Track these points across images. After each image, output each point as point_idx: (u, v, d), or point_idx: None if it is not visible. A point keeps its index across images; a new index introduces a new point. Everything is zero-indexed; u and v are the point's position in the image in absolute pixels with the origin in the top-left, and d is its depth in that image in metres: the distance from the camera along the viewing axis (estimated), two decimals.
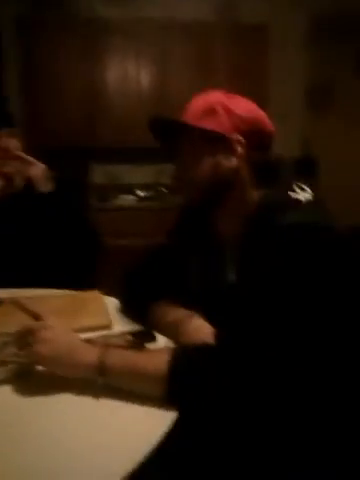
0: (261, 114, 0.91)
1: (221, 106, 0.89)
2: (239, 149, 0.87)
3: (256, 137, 0.89)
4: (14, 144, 1.42)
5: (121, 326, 1.02)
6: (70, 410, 0.73)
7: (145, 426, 0.69)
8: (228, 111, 0.88)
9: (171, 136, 0.94)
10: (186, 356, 0.75)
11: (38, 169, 1.46)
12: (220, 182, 0.89)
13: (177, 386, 0.71)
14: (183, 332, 0.90)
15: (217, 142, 0.88)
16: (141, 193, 3.35)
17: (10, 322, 0.98)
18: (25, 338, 0.79)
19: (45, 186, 1.46)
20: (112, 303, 1.16)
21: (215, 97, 0.91)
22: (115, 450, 0.64)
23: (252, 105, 0.92)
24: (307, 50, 3.55)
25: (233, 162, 0.87)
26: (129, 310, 1.10)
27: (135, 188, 3.41)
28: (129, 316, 1.08)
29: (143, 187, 3.42)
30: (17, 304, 1.15)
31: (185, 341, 0.89)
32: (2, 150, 1.40)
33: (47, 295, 1.24)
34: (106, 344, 0.80)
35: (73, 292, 1.27)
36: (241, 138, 0.87)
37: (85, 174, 3.40)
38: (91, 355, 0.76)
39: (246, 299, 0.79)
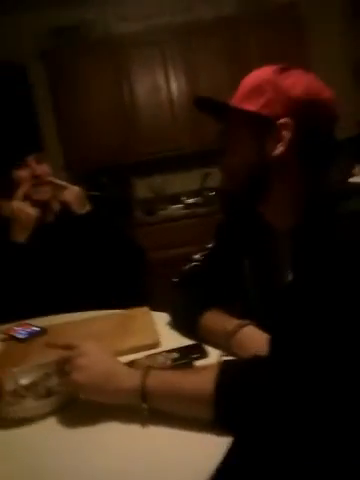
0: (322, 93, 0.77)
1: (270, 84, 0.77)
2: (287, 135, 0.75)
3: (312, 120, 0.76)
4: (44, 170, 1.41)
5: (170, 343, 0.94)
6: (117, 439, 0.67)
7: (199, 454, 0.61)
8: (278, 90, 0.76)
9: (219, 116, 0.85)
10: (233, 373, 0.65)
11: (72, 192, 1.45)
12: (264, 170, 0.78)
13: (225, 407, 0.62)
14: (234, 344, 0.83)
15: (262, 126, 0.77)
16: (188, 200, 3.28)
17: (53, 352, 0.93)
18: (63, 367, 0.75)
19: (81, 208, 1.44)
20: (163, 318, 1.09)
21: (265, 73, 0.79)
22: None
23: (312, 82, 0.78)
24: (348, 23, 3.30)
25: (279, 150, 0.76)
26: (179, 323, 1.03)
27: (181, 196, 3.35)
28: (179, 330, 1.01)
29: (189, 194, 3.36)
30: (60, 332, 1.11)
31: (238, 353, 0.82)
32: (33, 177, 1.39)
33: (94, 317, 1.20)
34: (148, 366, 0.71)
35: (120, 311, 1.21)
36: (290, 122, 0.74)
37: (128, 190, 3.41)
38: (130, 379, 0.69)
39: (303, 301, 0.68)
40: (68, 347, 0.76)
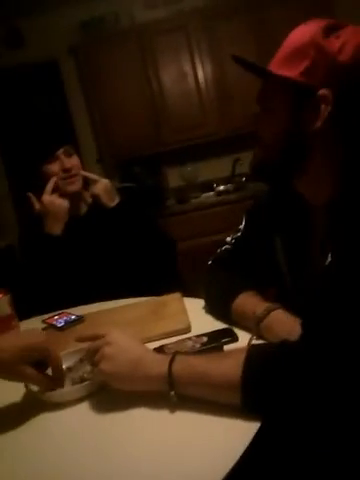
0: None
1: (314, 47, 0.69)
2: (326, 109, 0.69)
3: (356, 91, 0.69)
4: (73, 163, 1.44)
5: (202, 328, 0.94)
6: (147, 426, 0.68)
7: (227, 439, 0.61)
8: (322, 54, 0.68)
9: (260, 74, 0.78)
10: (261, 358, 0.64)
11: (101, 185, 1.47)
12: (300, 140, 0.74)
13: (253, 393, 0.61)
14: (263, 328, 0.82)
15: (300, 95, 0.71)
16: (220, 187, 3.26)
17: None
18: (93, 356, 0.76)
19: (111, 201, 1.47)
20: (196, 304, 1.10)
21: (310, 32, 0.70)
22: (196, 466, 0.57)
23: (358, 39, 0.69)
24: None
25: (316, 124, 0.70)
26: (212, 307, 1.03)
27: (213, 183, 3.33)
28: (213, 314, 1.01)
29: (220, 181, 3.33)
30: (97, 320, 1.15)
31: (267, 338, 0.81)
32: (63, 171, 1.42)
33: (127, 305, 1.23)
34: (175, 351, 0.72)
35: (153, 298, 1.23)
36: (331, 94, 0.68)
37: (161, 179, 3.42)
38: (157, 366, 0.70)
39: (342, 285, 0.65)
40: (96, 338, 0.77)
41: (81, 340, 0.84)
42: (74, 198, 1.48)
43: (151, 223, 1.56)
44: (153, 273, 1.49)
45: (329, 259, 0.72)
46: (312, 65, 0.69)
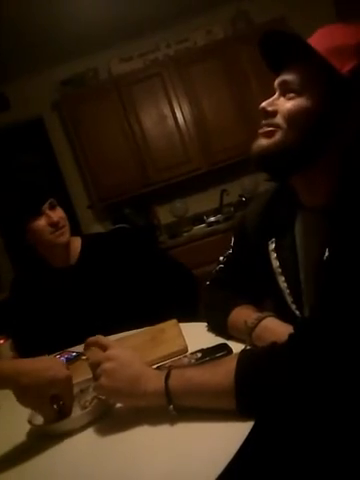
0: None
1: None
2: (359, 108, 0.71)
3: None
4: (59, 214, 1.43)
5: (199, 347, 0.96)
6: (148, 442, 0.70)
7: (223, 438, 0.63)
8: None
9: (284, 58, 0.78)
10: (251, 361, 0.66)
11: None
12: (323, 131, 0.73)
13: (246, 396, 0.63)
14: (255, 337, 0.84)
15: (338, 88, 0.71)
16: (210, 218, 3.33)
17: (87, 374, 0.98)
18: (94, 369, 0.78)
19: None
20: (193, 328, 1.13)
21: (357, 35, 0.71)
22: (193, 466, 0.59)
23: None
24: None
25: (345, 122, 0.72)
26: (211, 325, 1.05)
27: (203, 216, 3.41)
28: (213, 331, 1.03)
29: (210, 213, 3.41)
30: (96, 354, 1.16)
31: (259, 346, 0.82)
32: (50, 225, 1.40)
33: (126, 336, 1.25)
34: (170, 365, 0.75)
35: (151, 327, 1.25)
36: None
37: (151, 218, 3.50)
38: (154, 382, 0.71)
39: (337, 281, 0.66)
40: (100, 345, 0.80)
41: (87, 345, 0.85)
42: (64, 248, 1.48)
43: (173, 261, 1.59)
44: (174, 305, 1.47)
45: (327, 254, 0.72)
46: (358, 67, 0.69)
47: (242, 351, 0.71)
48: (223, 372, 0.66)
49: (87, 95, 3.30)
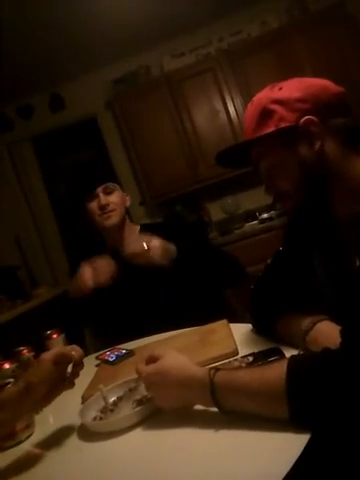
0: (319, 82, 0.83)
1: (271, 102, 0.82)
2: (315, 129, 0.78)
3: (326, 107, 0.80)
4: (111, 199, 1.51)
5: (249, 351, 0.93)
6: (195, 444, 0.69)
7: (276, 452, 0.60)
8: (282, 102, 0.81)
9: (246, 158, 0.90)
10: (303, 367, 0.63)
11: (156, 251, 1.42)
12: (315, 172, 0.81)
13: (300, 404, 0.60)
14: (309, 341, 0.81)
15: (290, 138, 0.81)
16: (263, 215, 3.24)
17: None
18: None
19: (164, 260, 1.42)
20: (243, 329, 1.10)
21: (261, 98, 0.85)
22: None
23: (303, 80, 0.83)
24: None
25: (317, 145, 0.79)
26: (258, 328, 1.04)
27: (255, 212, 3.33)
28: (260, 335, 1.01)
29: (263, 209, 3.32)
30: (146, 352, 1.16)
31: (313, 350, 0.77)
32: (100, 207, 1.49)
33: (175, 335, 1.24)
34: (218, 367, 0.72)
35: (200, 327, 1.23)
36: (311, 117, 0.78)
37: (202, 215, 3.47)
38: (202, 373, 0.71)
39: None
40: (151, 359, 0.81)
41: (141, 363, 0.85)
42: (116, 232, 1.55)
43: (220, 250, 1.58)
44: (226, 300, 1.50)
45: (358, 263, 0.75)
46: (281, 112, 0.80)
47: (292, 356, 0.67)
48: (274, 376, 0.64)
49: (139, 93, 3.32)
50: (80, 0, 2.54)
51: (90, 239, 1.72)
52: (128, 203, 1.61)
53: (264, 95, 0.85)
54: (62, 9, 2.57)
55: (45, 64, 3.14)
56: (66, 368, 0.80)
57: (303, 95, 0.80)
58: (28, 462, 0.79)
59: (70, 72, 3.43)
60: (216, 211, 3.56)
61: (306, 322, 0.83)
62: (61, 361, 0.80)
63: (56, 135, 3.74)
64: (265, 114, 0.82)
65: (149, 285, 1.51)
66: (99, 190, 1.50)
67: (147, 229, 1.60)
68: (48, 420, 0.98)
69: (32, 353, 1.20)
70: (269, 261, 1.07)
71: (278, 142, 0.82)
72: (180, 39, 3.41)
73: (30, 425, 0.91)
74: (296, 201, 0.85)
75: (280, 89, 0.82)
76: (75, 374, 0.82)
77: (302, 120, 0.78)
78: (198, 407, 0.75)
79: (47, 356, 0.80)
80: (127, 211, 1.61)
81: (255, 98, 0.87)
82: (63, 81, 3.54)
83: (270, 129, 0.81)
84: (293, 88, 0.81)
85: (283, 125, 0.80)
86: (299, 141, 0.80)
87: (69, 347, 0.85)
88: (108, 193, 1.51)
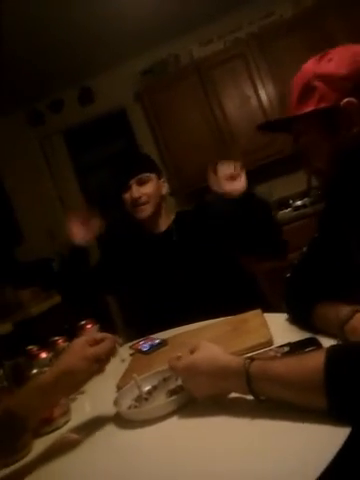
0: None
1: (316, 77, 0.80)
2: (355, 112, 0.77)
3: None
4: (144, 191, 1.49)
5: (285, 341, 0.90)
6: (230, 437, 0.67)
7: (313, 446, 0.57)
8: (324, 78, 0.79)
9: (288, 127, 0.90)
10: (344, 357, 0.60)
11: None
12: (351, 154, 0.80)
13: (339, 395, 0.57)
14: (348, 330, 0.77)
15: (328, 118, 0.80)
16: (297, 202, 3.16)
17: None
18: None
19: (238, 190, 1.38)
20: (277, 319, 1.08)
21: (306, 71, 0.83)
22: (280, 475, 0.54)
23: (349, 52, 0.81)
24: None
25: (355, 129, 0.78)
26: (294, 317, 1.01)
27: (289, 200, 3.25)
28: (296, 324, 0.99)
29: (297, 196, 3.24)
30: (179, 342, 1.16)
31: (353, 340, 0.75)
32: (132, 199, 1.49)
33: (208, 325, 1.23)
34: (251, 356, 0.70)
35: (234, 316, 1.21)
36: (352, 99, 0.76)
37: None
38: (237, 361, 0.70)
39: None
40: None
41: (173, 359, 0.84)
42: (150, 222, 1.55)
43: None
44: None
45: None
46: (322, 91, 0.79)
47: (331, 346, 0.65)
48: (312, 366, 0.61)
49: (168, 83, 3.30)
50: None
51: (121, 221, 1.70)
52: (164, 191, 1.58)
53: (310, 67, 0.83)
54: (88, 4, 2.57)
55: (74, 59, 3.17)
56: (97, 354, 0.80)
57: (348, 72, 0.77)
58: (65, 447, 0.81)
59: (98, 65, 3.44)
60: None
61: (345, 311, 0.80)
62: (92, 346, 0.81)
63: (86, 128, 3.78)
64: (307, 90, 0.81)
65: (180, 267, 1.50)
66: (132, 182, 1.49)
67: (182, 216, 1.60)
68: (84, 408, 1.00)
69: (67, 343, 1.21)
70: (304, 248, 1.04)
71: (316, 122, 0.81)
72: (209, 26, 3.34)
73: (67, 412, 0.93)
74: (328, 179, 0.86)
75: (329, 61, 0.80)
76: (106, 360, 0.83)
77: (343, 102, 0.77)
78: (233, 395, 0.74)
79: (79, 341, 0.81)
80: (164, 198, 1.59)
81: (303, 67, 0.85)
82: (92, 74, 3.56)
83: (309, 108, 0.81)
84: (342, 62, 0.79)
85: (323, 105, 0.79)
86: (337, 123, 0.79)
87: (101, 334, 0.86)
88: (142, 184, 1.50)
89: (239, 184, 1.36)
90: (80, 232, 1.50)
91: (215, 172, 1.36)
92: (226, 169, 1.35)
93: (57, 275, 1.67)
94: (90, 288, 1.60)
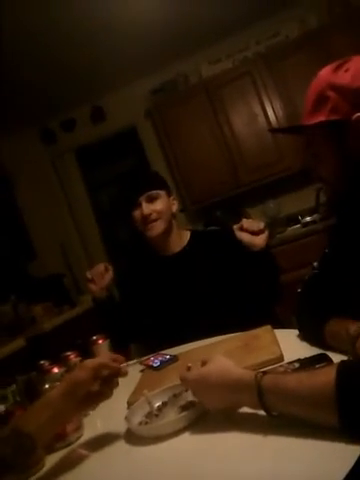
0: None
1: (330, 87, 0.80)
2: None
3: None
4: (154, 208, 1.49)
5: (295, 357, 0.90)
6: (241, 450, 0.68)
7: (325, 464, 0.57)
8: (339, 89, 0.79)
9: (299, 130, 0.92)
10: (353, 373, 0.60)
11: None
12: (358, 167, 0.80)
13: (351, 412, 0.57)
14: (359, 346, 0.76)
15: (338, 130, 0.80)
16: (305, 219, 3.17)
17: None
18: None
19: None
20: (288, 335, 1.08)
21: (322, 79, 0.83)
22: None
23: None
24: None
25: None
26: (305, 333, 1.01)
27: (298, 216, 3.25)
28: (307, 340, 0.99)
29: (305, 213, 3.24)
30: (190, 358, 1.16)
31: None
32: (142, 217, 1.48)
33: (219, 341, 1.23)
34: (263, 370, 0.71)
35: (244, 332, 1.22)
36: None
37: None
38: (248, 375, 0.70)
39: None
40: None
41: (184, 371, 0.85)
42: (161, 240, 1.54)
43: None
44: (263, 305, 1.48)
45: None
46: (335, 102, 0.78)
47: (342, 361, 0.65)
48: (323, 381, 0.61)
49: (178, 101, 3.37)
50: (117, 14, 2.62)
51: (132, 244, 1.75)
52: (175, 209, 1.58)
53: (325, 76, 0.82)
54: (100, 25, 2.65)
55: (86, 78, 3.25)
56: (106, 379, 0.82)
57: None
58: (77, 463, 0.81)
59: (110, 85, 3.53)
60: (257, 216, 3.51)
61: (355, 327, 0.80)
62: (101, 372, 0.82)
63: (98, 146, 3.85)
64: (321, 99, 0.81)
65: (193, 290, 1.51)
66: (142, 199, 1.47)
67: (198, 236, 1.61)
68: (96, 424, 1.01)
69: (79, 358, 1.23)
70: (315, 264, 1.05)
71: (326, 132, 0.82)
72: (217, 45, 3.42)
73: (79, 427, 0.93)
74: (334, 190, 0.87)
75: (346, 71, 0.79)
76: (114, 384, 0.84)
77: (354, 117, 0.77)
78: (245, 411, 0.74)
79: (89, 364, 0.82)
80: (174, 217, 1.59)
81: (319, 75, 0.85)
82: (103, 94, 3.65)
83: (320, 118, 0.80)
84: (355, 71, 0.78)
85: (334, 118, 0.79)
86: (347, 136, 0.79)
87: (113, 356, 0.87)
88: (151, 201, 1.48)
89: (260, 240, 1.39)
90: (94, 287, 1.56)
91: (241, 227, 1.40)
92: (252, 225, 1.39)
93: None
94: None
